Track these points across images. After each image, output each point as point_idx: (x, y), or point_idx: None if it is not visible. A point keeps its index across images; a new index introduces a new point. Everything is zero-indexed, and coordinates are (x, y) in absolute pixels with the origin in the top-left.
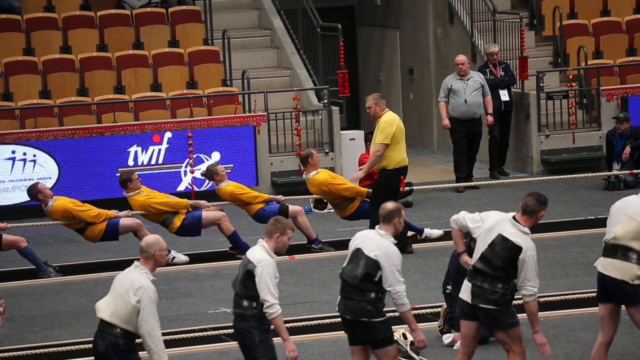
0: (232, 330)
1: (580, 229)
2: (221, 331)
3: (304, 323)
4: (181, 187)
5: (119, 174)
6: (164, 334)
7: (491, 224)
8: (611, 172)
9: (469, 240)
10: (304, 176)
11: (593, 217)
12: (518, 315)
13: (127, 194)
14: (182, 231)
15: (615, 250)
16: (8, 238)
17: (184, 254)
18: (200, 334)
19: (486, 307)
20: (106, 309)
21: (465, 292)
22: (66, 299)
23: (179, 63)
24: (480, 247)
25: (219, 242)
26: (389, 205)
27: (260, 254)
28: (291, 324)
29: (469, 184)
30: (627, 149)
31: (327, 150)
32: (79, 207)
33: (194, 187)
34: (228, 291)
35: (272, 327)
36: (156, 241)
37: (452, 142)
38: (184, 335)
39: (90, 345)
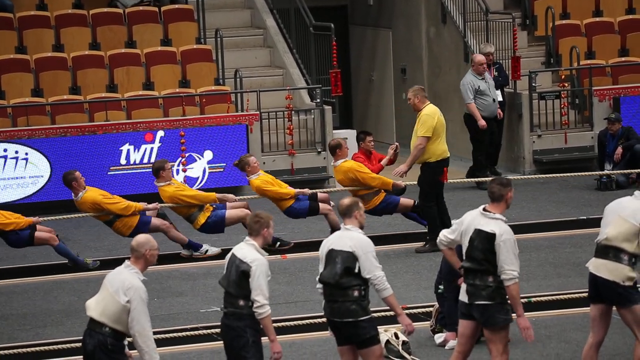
0: (221, 327)
1: (572, 229)
2: (213, 330)
3: (296, 322)
4: None
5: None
6: (155, 333)
7: (467, 223)
8: (604, 172)
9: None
10: (332, 164)
11: (585, 218)
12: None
13: (158, 184)
14: (206, 228)
15: (607, 251)
16: (40, 235)
17: (175, 252)
18: (192, 332)
19: (481, 303)
20: (96, 307)
21: (463, 294)
22: (58, 298)
23: (172, 62)
24: (464, 248)
25: (212, 241)
26: (345, 200)
27: (252, 253)
28: (283, 323)
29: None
30: (619, 150)
31: (319, 150)
32: (107, 200)
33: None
34: (220, 290)
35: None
36: (147, 240)
37: (477, 141)
38: (175, 334)
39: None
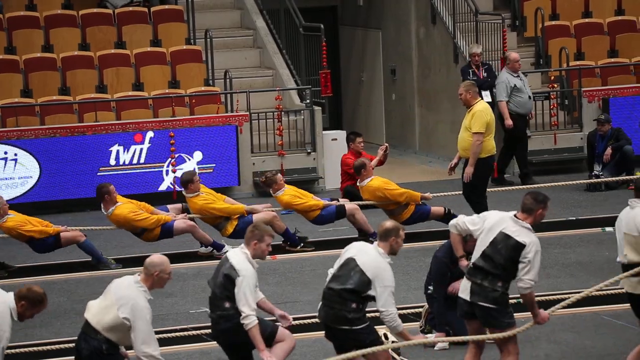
0: (215, 335)
1: (562, 230)
2: (202, 331)
3: (305, 321)
4: (162, 187)
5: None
6: None
7: (492, 223)
8: (597, 178)
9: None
10: (357, 184)
11: (574, 218)
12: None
13: (187, 195)
14: (236, 235)
15: (630, 268)
16: (66, 235)
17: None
18: (181, 333)
19: (485, 305)
20: (96, 314)
21: (464, 291)
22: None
23: (161, 62)
24: (480, 246)
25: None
26: (388, 223)
27: (242, 262)
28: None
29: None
30: (609, 150)
31: (309, 151)
32: (138, 217)
33: (176, 187)
34: (209, 291)
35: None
36: (160, 262)
37: (506, 139)
38: (165, 335)
39: (72, 345)
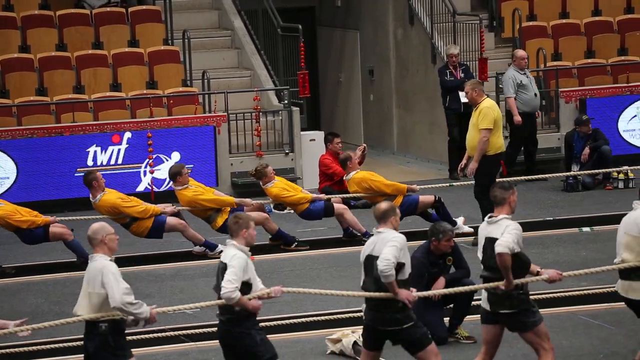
0: (221, 337)
1: (539, 230)
2: (180, 332)
3: (263, 324)
4: (140, 188)
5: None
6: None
7: (479, 234)
8: (571, 173)
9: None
10: (344, 177)
11: (552, 218)
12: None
13: (176, 188)
14: (225, 228)
15: (628, 272)
16: (55, 230)
17: (143, 254)
18: (159, 334)
19: (507, 312)
20: (84, 308)
21: (484, 302)
22: (24, 300)
23: (139, 63)
24: (480, 258)
25: (179, 243)
26: (383, 205)
27: (232, 251)
28: None
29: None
30: (586, 150)
31: (287, 151)
32: (126, 203)
33: (154, 187)
34: (187, 292)
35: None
36: (101, 227)
37: (514, 136)
38: (142, 336)
39: (49, 346)
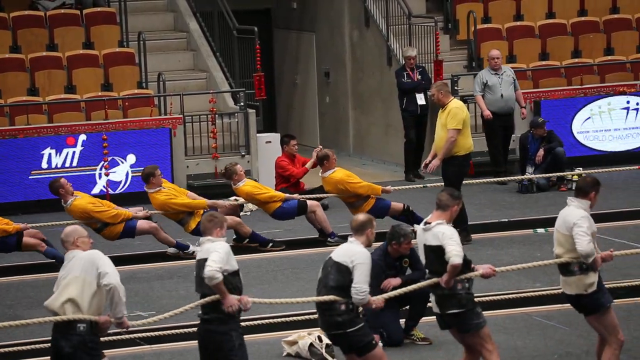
0: (202, 337)
1: (494, 232)
2: (136, 335)
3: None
4: (96, 190)
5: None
6: None
7: (418, 241)
8: (525, 176)
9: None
10: (320, 174)
11: (506, 220)
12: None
13: (149, 190)
14: (197, 232)
15: (562, 268)
16: (28, 241)
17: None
18: (114, 337)
19: (455, 311)
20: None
21: (434, 305)
22: None
23: (94, 65)
24: (425, 263)
25: (134, 245)
26: (361, 217)
27: (212, 245)
28: None
29: (507, 178)
30: (541, 152)
31: (243, 153)
32: (97, 208)
33: (109, 189)
34: (142, 294)
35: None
36: (74, 230)
37: (486, 136)
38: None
39: (20, 348)
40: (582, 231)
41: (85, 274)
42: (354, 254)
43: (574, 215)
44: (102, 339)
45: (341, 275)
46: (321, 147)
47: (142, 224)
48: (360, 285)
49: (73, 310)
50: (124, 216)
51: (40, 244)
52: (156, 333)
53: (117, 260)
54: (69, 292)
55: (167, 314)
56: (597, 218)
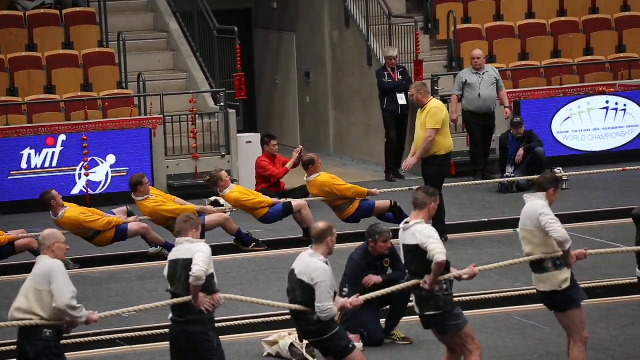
0: (175, 339)
1: (474, 231)
2: (116, 335)
3: (220, 324)
4: (75, 191)
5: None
6: None
7: (400, 241)
8: (505, 179)
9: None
10: (304, 178)
11: (487, 220)
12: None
13: (136, 198)
14: None
15: (532, 265)
16: (20, 242)
17: (79, 257)
18: (94, 338)
19: (431, 313)
20: (29, 309)
21: (415, 306)
22: None
23: (74, 65)
24: (405, 264)
25: (113, 247)
26: (321, 225)
27: (191, 246)
28: None
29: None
30: (521, 152)
31: (223, 154)
32: (89, 218)
33: (89, 190)
34: (123, 295)
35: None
36: (52, 234)
37: (468, 134)
38: (78, 340)
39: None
40: (550, 219)
41: (36, 284)
42: (313, 271)
43: (536, 207)
44: (81, 340)
45: (306, 292)
46: (301, 147)
47: (132, 226)
48: (322, 304)
49: (24, 318)
50: (115, 222)
51: (33, 241)
52: (137, 333)
53: (98, 261)
54: (19, 302)
55: (139, 307)
56: (576, 217)
